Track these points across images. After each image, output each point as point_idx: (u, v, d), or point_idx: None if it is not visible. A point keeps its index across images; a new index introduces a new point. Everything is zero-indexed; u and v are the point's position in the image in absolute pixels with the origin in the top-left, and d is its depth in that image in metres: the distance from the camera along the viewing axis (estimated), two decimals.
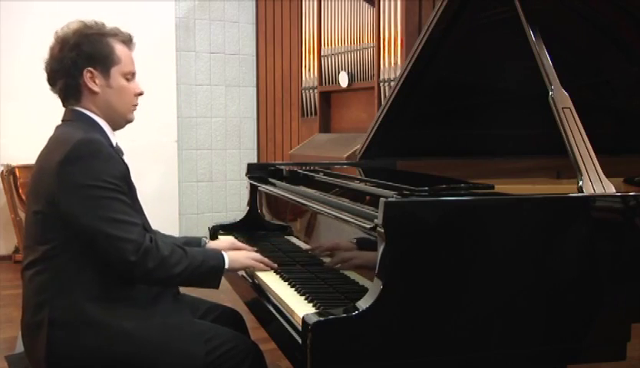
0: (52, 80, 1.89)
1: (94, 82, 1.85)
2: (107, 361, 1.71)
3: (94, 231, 1.69)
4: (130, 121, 1.95)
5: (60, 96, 1.90)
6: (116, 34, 1.91)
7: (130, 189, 1.80)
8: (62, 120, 1.90)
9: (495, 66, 2.56)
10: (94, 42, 1.85)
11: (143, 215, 1.90)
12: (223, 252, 1.95)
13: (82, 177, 1.69)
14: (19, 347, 1.96)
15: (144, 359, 1.72)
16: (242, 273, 2.17)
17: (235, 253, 2.04)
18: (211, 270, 1.88)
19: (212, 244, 2.23)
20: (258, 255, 2.09)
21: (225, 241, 2.30)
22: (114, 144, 1.89)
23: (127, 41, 1.93)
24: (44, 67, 1.89)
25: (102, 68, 1.86)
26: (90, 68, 1.84)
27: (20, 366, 1.90)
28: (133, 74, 1.93)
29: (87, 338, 1.70)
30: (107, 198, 1.70)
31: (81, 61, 1.84)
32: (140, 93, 1.95)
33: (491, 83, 2.62)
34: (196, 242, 2.21)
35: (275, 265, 2.07)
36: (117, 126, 1.93)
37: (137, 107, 1.96)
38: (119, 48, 1.89)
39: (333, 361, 1.49)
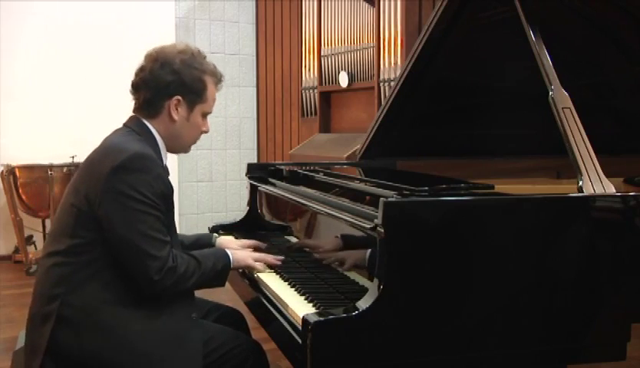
0: (137, 88, 1.91)
1: (177, 111, 1.89)
2: (105, 365, 1.71)
3: (126, 241, 1.71)
4: (185, 152, 2.02)
5: (136, 104, 1.92)
6: (213, 73, 1.95)
7: (168, 210, 1.83)
8: (124, 124, 1.92)
9: (495, 66, 2.56)
10: (194, 76, 1.89)
11: (176, 235, 1.94)
12: (228, 251, 1.98)
13: (127, 187, 1.72)
14: (20, 345, 1.96)
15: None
16: (241, 272, 2.18)
17: (239, 252, 2.07)
18: (219, 272, 1.92)
19: (222, 241, 2.25)
20: (259, 255, 2.10)
21: (234, 241, 2.30)
22: (164, 164, 1.91)
23: (219, 81, 1.98)
24: (136, 71, 1.91)
25: (190, 102, 1.90)
26: (179, 97, 1.88)
27: (22, 360, 1.90)
28: (208, 114, 1.98)
29: (90, 340, 1.71)
30: (145, 212, 1.73)
31: (175, 88, 1.87)
32: (206, 132, 2.00)
33: (491, 83, 2.62)
34: (207, 239, 2.26)
35: (278, 262, 2.08)
36: (171, 151, 1.98)
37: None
38: (210, 89, 1.94)
39: (333, 361, 1.49)
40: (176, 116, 1.89)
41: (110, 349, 1.70)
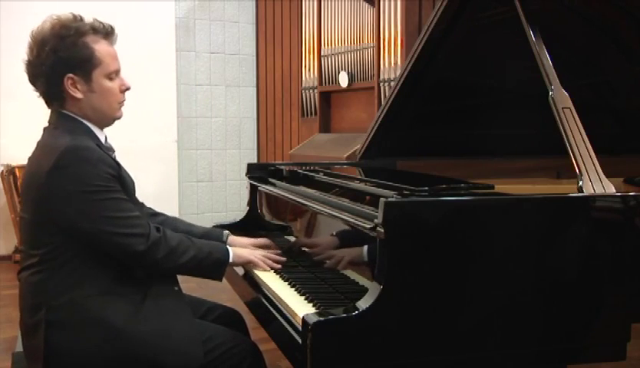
0: (33, 83, 1.82)
1: (76, 88, 1.77)
2: (105, 360, 1.71)
3: (98, 233, 1.69)
4: (117, 119, 1.87)
5: (43, 99, 1.84)
6: (95, 30, 1.79)
7: (124, 185, 1.78)
8: (48, 122, 1.85)
9: (495, 66, 2.56)
10: (71, 46, 1.75)
11: (142, 207, 1.92)
12: (228, 247, 1.98)
13: (74, 185, 1.67)
14: (20, 347, 1.96)
15: (142, 358, 1.72)
16: (242, 272, 2.18)
17: (240, 249, 2.06)
18: (216, 262, 1.91)
19: (234, 238, 2.22)
20: (262, 253, 2.09)
21: (246, 239, 2.26)
22: (103, 141, 1.85)
23: (108, 35, 1.82)
24: (24, 68, 1.81)
25: (83, 73, 1.76)
26: (70, 75, 1.75)
27: (23, 364, 1.91)
28: (117, 72, 1.83)
29: (84, 337, 1.70)
30: (104, 199, 1.70)
31: (60, 68, 1.74)
32: (127, 89, 1.86)
33: (491, 83, 2.62)
34: (217, 235, 2.20)
35: (279, 266, 2.07)
36: (104, 125, 1.87)
37: (125, 103, 1.88)
38: (99, 48, 1.78)
39: (333, 361, 1.48)
40: (78, 94, 1.77)
41: (107, 342, 1.70)
